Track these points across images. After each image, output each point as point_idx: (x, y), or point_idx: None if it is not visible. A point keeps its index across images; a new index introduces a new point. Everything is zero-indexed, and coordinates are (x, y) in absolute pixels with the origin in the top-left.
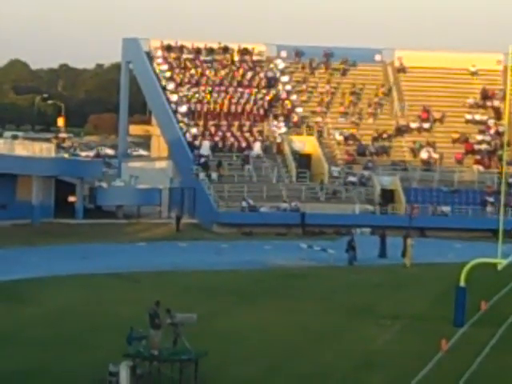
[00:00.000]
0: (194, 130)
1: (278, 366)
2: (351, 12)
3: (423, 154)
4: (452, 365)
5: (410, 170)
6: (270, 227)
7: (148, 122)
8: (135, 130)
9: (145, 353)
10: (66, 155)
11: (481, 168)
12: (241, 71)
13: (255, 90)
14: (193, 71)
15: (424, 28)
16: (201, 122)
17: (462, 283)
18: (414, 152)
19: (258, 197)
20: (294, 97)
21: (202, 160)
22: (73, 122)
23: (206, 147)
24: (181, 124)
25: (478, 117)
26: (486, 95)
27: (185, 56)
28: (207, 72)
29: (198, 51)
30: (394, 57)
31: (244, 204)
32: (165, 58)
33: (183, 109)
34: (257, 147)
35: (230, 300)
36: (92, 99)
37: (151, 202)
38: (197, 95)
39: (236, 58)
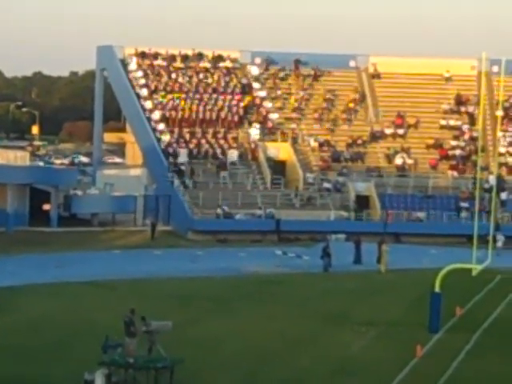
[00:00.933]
0: (168, 137)
1: (254, 373)
2: (326, 18)
3: (398, 160)
4: (427, 370)
5: (385, 176)
6: (245, 234)
7: (123, 130)
8: (110, 137)
9: (120, 361)
10: (41, 163)
11: (455, 173)
12: (215, 78)
13: (229, 97)
14: (167, 78)
15: (398, 34)
16: (175, 129)
17: (437, 289)
18: (389, 158)
19: (233, 204)
20: (268, 103)
21: (181, 167)
22: (47, 129)
23: (183, 155)
24: (155, 131)
25: (452, 122)
26: (460, 101)
27: (159, 63)
28: (181, 79)
29: (172, 58)
30: (369, 63)
31: (219, 211)
32: (139, 65)
33: (157, 116)
34: (233, 154)
35: (205, 307)
36: (66, 107)
37: (126, 210)
38: (171, 102)
39: (210, 64)
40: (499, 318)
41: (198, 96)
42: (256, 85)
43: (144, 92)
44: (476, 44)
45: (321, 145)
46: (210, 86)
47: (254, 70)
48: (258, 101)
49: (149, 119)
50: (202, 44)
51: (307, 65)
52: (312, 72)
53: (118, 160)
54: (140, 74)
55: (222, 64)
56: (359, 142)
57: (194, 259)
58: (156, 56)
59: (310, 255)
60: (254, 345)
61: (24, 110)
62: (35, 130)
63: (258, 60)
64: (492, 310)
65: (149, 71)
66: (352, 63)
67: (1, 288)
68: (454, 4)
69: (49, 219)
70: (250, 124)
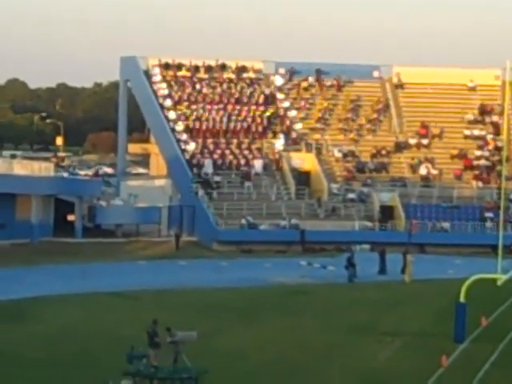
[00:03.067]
0: (192, 148)
1: None
2: (350, 28)
3: (422, 170)
4: (452, 381)
5: (409, 186)
6: (269, 245)
7: (147, 141)
8: (134, 148)
9: (145, 371)
10: (65, 174)
11: (480, 184)
12: (239, 88)
13: (253, 107)
14: (191, 89)
15: (422, 44)
16: (199, 140)
17: (462, 299)
18: (413, 168)
19: (258, 214)
20: (292, 113)
21: (207, 178)
22: (71, 140)
23: (209, 165)
24: (179, 142)
25: (476, 132)
26: (484, 110)
27: (182, 74)
28: (205, 89)
29: (195, 69)
30: (392, 73)
31: (243, 221)
32: (163, 76)
33: (181, 127)
34: (258, 164)
35: (230, 318)
36: (90, 118)
37: (150, 221)
38: (195, 113)
39: (234, 75)
40: None
41: (221, 106)
42: (280, 95)
43: (168, 103)
44: (500, 53)
45: (345, 155)
46: (234, 96)
47: (278, 81)
48: (281, 111)
49: (173, 130)
50: (226, 54)
51: (330, 75)
52: (335, 82)
53: (142, 171)
54: (164, 84)
55: (245, 75)
56: (383, 152)
57: (219, 270)
58: (180, 67)
59: (334, 265)
60: (280, 355)
61: (48, 121)
62: (59, 141)
63: (281, 70)
64: None
65: (172, 82)
66: (376, 73)
67: (25, 298)
68: (477, 14)
69: (73, 230)
70: (274, 134)
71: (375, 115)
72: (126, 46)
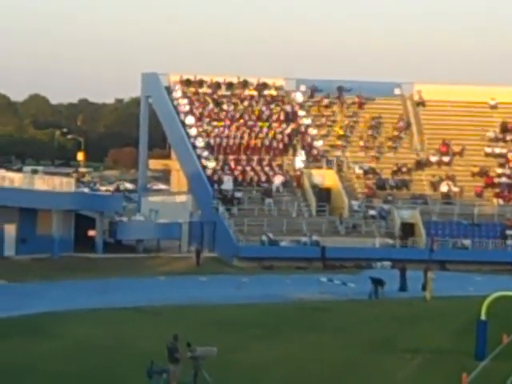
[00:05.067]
0: (213, 165)
1: None
2: (371, 46)
3: (443, 188)
4: None
5: (430, 203)
6: (290, 261)
7: (167, 157)
8: (155, 164)
9: None
10: (86, 190)
11: (501, 201)
12: (260, 105)
13: (274, 124)
14: (212, 105)
15: (443, 61)
16: (220, 156)
17: (483, 316)
18: (434, 185)
19: (278, 231)
20: (313, 131)
21: (226, 195)
22: (92, 156)
23: (228, 182)
24: (200, 158)
25: (497, 150)
26: (505, 128)
27: (204, 90)
28: (226, 106)
29: (217, 85)
30: (413, 90)
31: (264, 238)
32: (184, 93)
33: (202, 143)
34: (278, 180)
35: (250, 334)
36: (112, 133)
37: (171, 236)
38: (216, 129)
39: (255, 92)
40: None
41: (242, 123)
42: (301, 112)
43: (189, 119)
44: None
45: (366, 172)
46: (255, 113)
47: (299, 98)
48: (302, 128)
49: (194, 146)
50: (247, 71)
51: (352, 92)
52: (356, 100)
53: (162, 187)
54: (185, 101)
55: (266, 91)
56: (404, 169)
57: (239, 286)
58: (201, 83)
59: (355, 282)
60: (299, 372)
61: (69, 136)
62: (80, 156)
63: (302, 87)
64: None
65: (194, 98)
66: (397, 91)
67: (46, 313)
68: (497, 31)
69: (94, 245)
70: (295, 151)
71: (396, 132)
72: (147, 62)
